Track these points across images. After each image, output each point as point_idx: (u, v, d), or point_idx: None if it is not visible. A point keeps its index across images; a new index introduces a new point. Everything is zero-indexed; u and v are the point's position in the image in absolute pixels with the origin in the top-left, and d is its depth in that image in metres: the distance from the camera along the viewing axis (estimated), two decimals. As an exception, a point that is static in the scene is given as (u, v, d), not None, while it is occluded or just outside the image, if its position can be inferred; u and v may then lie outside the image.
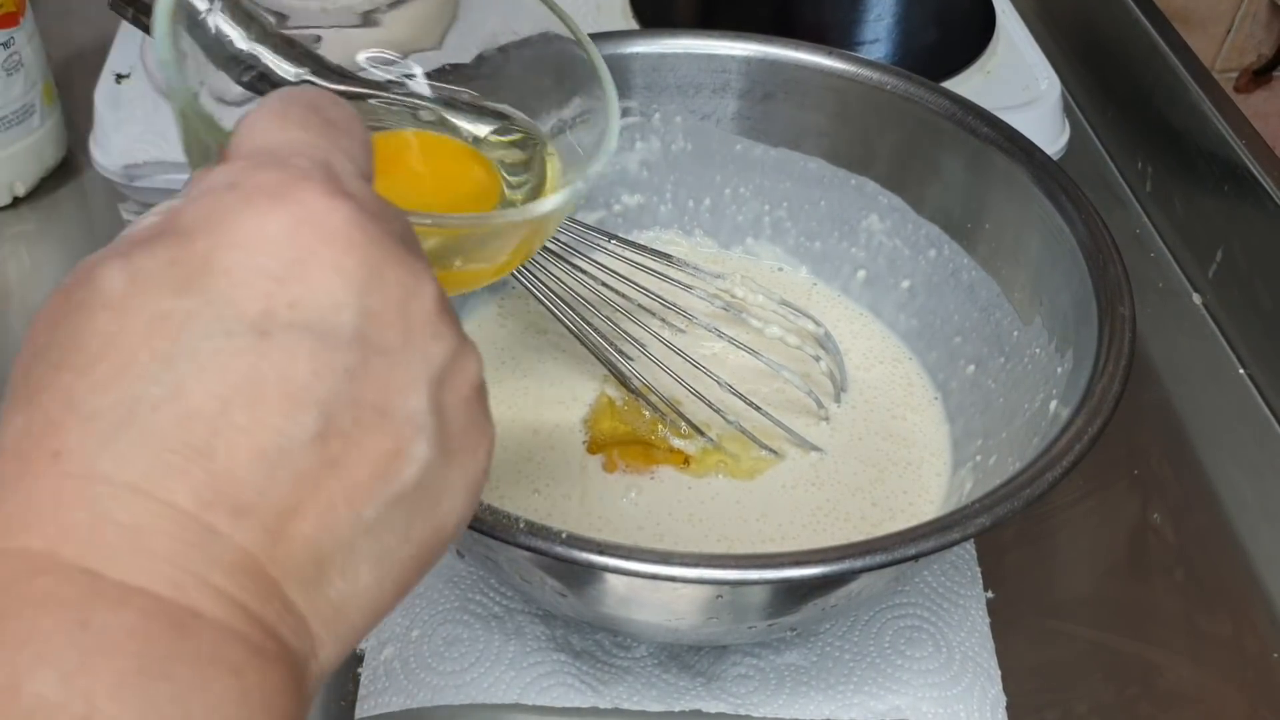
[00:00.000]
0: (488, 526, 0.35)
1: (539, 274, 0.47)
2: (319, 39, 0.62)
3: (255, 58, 0.40)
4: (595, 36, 0.53)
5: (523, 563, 0.38)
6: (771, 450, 0.49)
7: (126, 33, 0.66)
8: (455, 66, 0.51)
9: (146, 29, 0.41)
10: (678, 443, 0.49)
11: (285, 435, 0.23)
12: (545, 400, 0.51)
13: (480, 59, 0.53)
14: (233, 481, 0.23)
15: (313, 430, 0.23)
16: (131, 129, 0.61)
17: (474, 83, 0.50)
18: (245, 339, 0.23)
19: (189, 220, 0.24)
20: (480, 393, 0.27)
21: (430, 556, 0.26)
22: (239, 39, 0.40)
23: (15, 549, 0.21)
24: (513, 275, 0.47)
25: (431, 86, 0.41)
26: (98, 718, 0.20)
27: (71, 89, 0.68)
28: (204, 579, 0.22)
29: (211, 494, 0.22)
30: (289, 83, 0.40)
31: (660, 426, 0.49)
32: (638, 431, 0.49)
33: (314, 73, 0.41)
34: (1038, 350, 0.47)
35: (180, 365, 0.22)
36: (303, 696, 0.23)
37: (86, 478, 0.22)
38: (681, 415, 0.49)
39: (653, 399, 0.49)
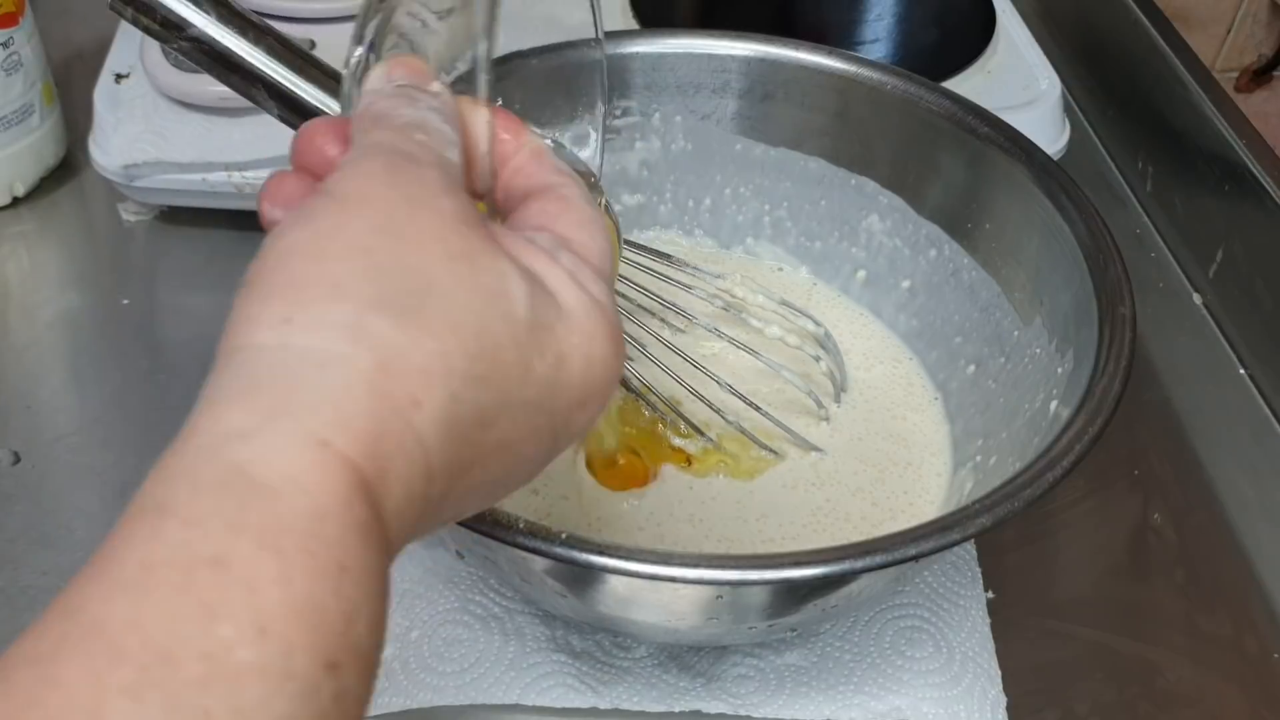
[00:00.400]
0: (487, 527, 0.35)
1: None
2: (313, 44, 0.62)
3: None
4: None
5: (522, 563, 0.38)
6: (771, 450, 0.49)
7: (126, 33, 0.66)
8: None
9: (146, 30, 0.41)
10: (678, 441, 0.49)
11: (492, 481, 0.26)
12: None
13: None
14: (455, 495, 0.25)
15: (501, 481, 0.27)
16: (131, 129, 0.61)
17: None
18: (541, 420, 0.27)
19: (568, 304, 0.27)
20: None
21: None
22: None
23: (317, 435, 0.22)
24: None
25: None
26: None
27: (71, 89, 0.68)
28: (405, 522, 0.24)
29: (444, 492, 0.25)
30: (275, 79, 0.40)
31: (661, 425, 0.49)
32: (639, 434, 0.49)
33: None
34: (1038, 350, 0.47)
35: (509, 411, 0.26)
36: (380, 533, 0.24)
37: (418, 440, 0.23)
38: (681, 415, 0.49)
39: (652, 399, 0.49)
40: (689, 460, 0.48)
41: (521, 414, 0.26)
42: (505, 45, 0.67)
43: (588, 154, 0.40)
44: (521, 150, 0.30)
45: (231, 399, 0.22)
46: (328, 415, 0.22)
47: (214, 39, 0.41)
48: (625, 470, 0.48)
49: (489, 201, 0.31)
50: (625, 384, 0.50)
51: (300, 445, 0.22)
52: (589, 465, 0.48)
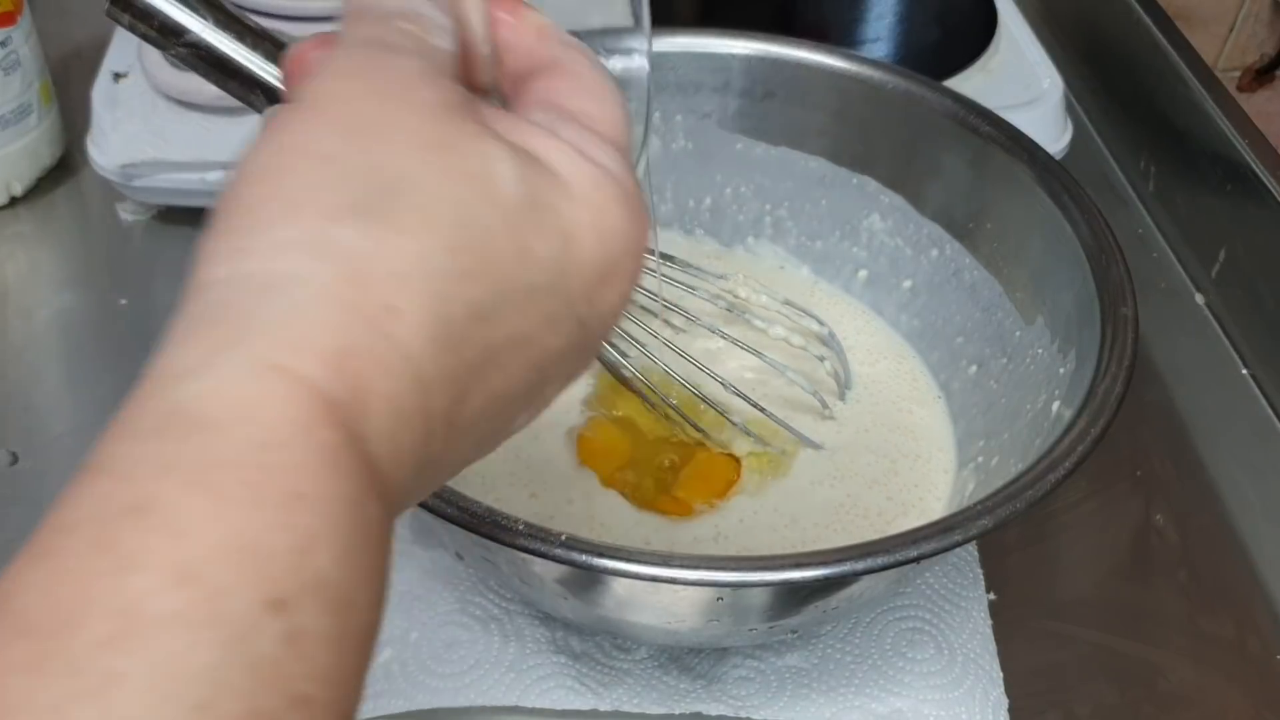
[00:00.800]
0: (488, 528, 0.35)
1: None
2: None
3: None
4: (594, 33, 0.53)
5: (522, 565, 0.38)
6: (774, 448, 0.49)
7: (124, 32, 0.65)
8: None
9: (144, 36, 0.40)
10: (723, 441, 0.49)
11: (514, 388, 0.24)
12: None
13: None
14: (466, 406, 0.23)
15: (526, 389, 0.24)
16: (129, 128, 0.61)
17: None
18: (557, 306, 0.24)
19: (568, 175, 0.24)
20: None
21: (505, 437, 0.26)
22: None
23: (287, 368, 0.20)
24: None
25: None
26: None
27: (69, 88, 0.68)
28: (381, 399, 0.21)
29: (451, 410, 0.22)
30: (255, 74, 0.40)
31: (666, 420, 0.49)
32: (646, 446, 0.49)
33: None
34: (1040, 350, 0.47)
35: (512, 300, 0.23)
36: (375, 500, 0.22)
37: (402, 351, 0.21)
38: (684, 417, 0.49)
39: (655, 400, 0.49)
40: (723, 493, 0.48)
41: (529, 302, 0.23)
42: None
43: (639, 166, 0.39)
44: (524, 30, 0.28)
45: (180, 340, 0.21)
46: (282, 338, 0.20)
47: (211, 45, 0.41)
48: (690, 497, 0.47)
49: (498, 93, 0.29)
50: (627, 385, 0.50)
51: (249, 374, 0.19)
52: (636, 490, 0.47)
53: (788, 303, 0.51)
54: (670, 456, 0.48)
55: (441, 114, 0.23)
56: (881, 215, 0.54)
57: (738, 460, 0.48)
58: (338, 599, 0.19)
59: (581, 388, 0.51)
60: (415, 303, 0.21)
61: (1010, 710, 0.45)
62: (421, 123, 0.23)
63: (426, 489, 0.24)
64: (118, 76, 0.64)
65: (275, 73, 0.41)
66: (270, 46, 0.42)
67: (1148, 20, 0.72)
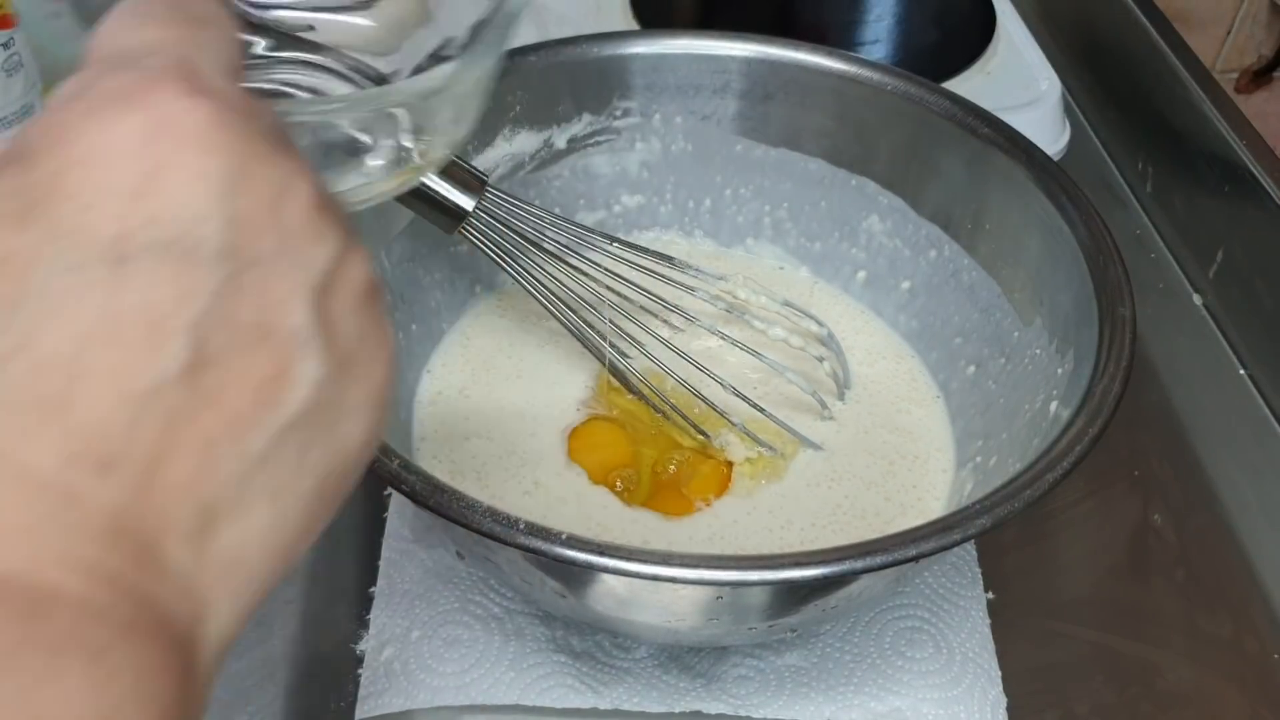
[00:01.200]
0: (488, 527, 0.35)
1: (538, 275, 0.47)
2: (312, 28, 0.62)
3: None
4: (596, 38, 0.53)
5: (523, 564, 0.38)
6: (773, 449, 0.49)
7: (126, 33, 0.66)
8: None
9: None
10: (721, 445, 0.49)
11: (151, 372, 0.20)
12: (543, 399, 0.51)
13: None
14: (94, 433, 0.20)
15: (183, 361, 0.21)
16: (131, 130, 0.61)
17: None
18: (98, 270, 0.20)
19: (31, 141, 0.21)
20: (373, 296, 0.25)
21: (337, 486, 0.24)
22: None
23: None
24: (513, 277, 0.47)
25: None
26: None
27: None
28: (64, 550, 0.19)
29: (71, 450, 0.20)
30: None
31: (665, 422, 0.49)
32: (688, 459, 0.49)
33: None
34: (1038, 351, 0.47)
35: (29, 309, 0.20)
36: (191, 671, 0.21)
37: None
38: (684, 416, 0.49)
39: (655, 400, 0.49)
40: (719, 491, 0.48)
41: (51, 295, 0.20)
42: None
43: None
44: None
45: None
46: None
47: None
48: (687, 495, 0.47)
49: None
50: (626, 384, 0.50)
51: None
52: (635, 490, 0.47)
53: (787, 303, 0.51)
54: (665, 455, 0.48)
55: None
56: (880, 216, 0.54)
57: (735, 461, 0.48)
58: None
59: (579, 388, 0.51)
60: None
61: (1009, 709, 0.45)
62: None
63: (216, 511, 0.21)
64: (120, 78, 0.64)
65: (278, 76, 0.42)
66: (271, 43, 0.42)
67: (1145, 22, 0.72)
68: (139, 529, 0.20)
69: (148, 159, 0.21)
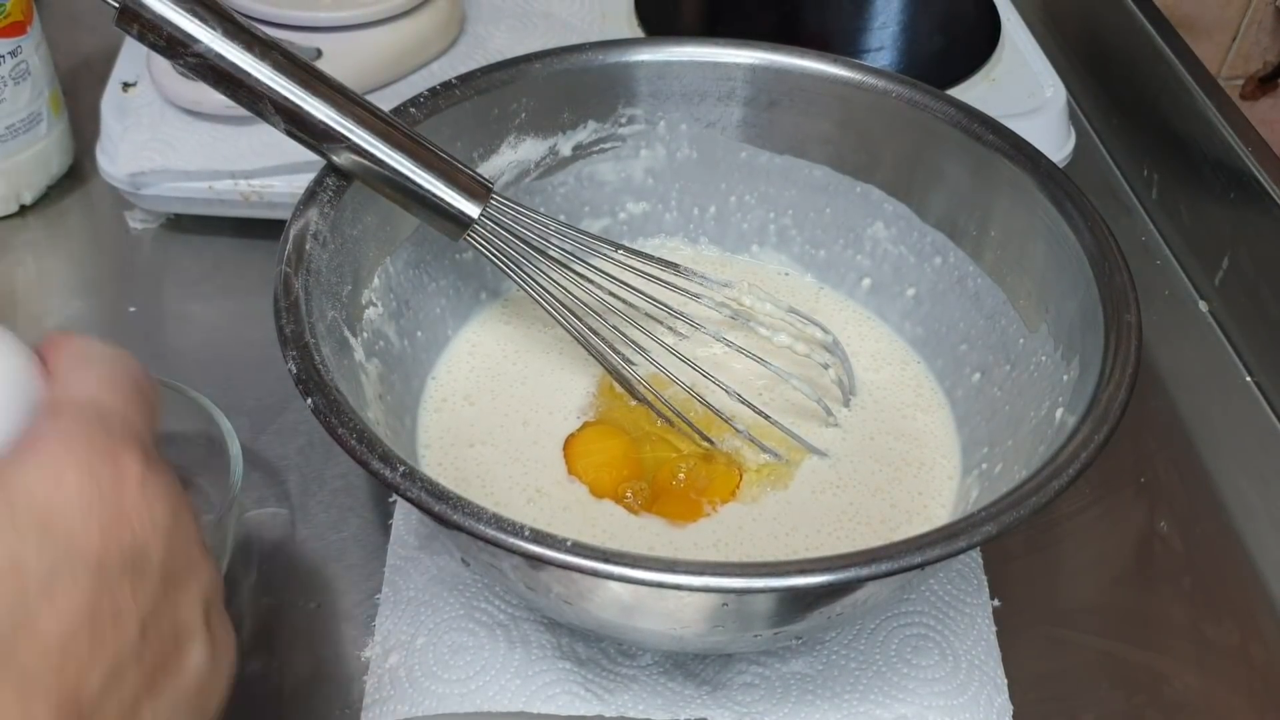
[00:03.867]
0: (493, 534, 0.35)
1: (543, 281, 0.47)
2: (319, 53, 0.63)
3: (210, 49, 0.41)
4: (601, 45, 0.53)
5: (527, 570, 0.38)
6: (778, 455, 0.49)
7: (133, 42, 0.66)
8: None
9: (153, 46, 0.41)
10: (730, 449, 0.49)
11: (119, 652, 0.29)
12: (549, 406, 0.51)
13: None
14: (77, 696, 0.28)
15: (135, 643, 0.30)
16: (138, 137, 0.61)
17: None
18: (86, 579, 0.29)
19: (19, 469, 0.29)
20: (222, 604, 0.34)
21: None
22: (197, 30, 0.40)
23: None
24: (518, 284, 0.47)
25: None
26: None
27: (78, 98, 0.68)
28: None
29: (62, 707, 0.28)
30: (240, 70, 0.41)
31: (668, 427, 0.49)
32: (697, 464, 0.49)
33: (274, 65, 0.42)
34: (1044, 358, 0.47)
35: (31, 599, 0.28)
36: None
37: None
38: (689, 422, 0.49)
39: (660, 406, 0.49)
40: (732, 493, 0.48)
41: (53, 592, 0.28)
42: (507, 47, 0.68)
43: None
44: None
45: None
46: None
47: (220, 55, 0.41)
48: (693, 501, 0.47)
49: None
50: (631, 390, 0.50)
51: None
52: (645, 498, 0.47)
53: (792, 310, 0.51)
54: (672, 462, 0.48)
55: None
56: (885, 223, 0.55)
57: (738, 467, 0.48)
58: None
59: (584, 395, 0.51)
60: None
61: (1014, 717, 0.45)
62: None
63: None
64: (127, 86, 0.64)
65: (282, 83, 0.42)
66: (278, 56, 0.42)
67: (1150, 28, 0.72)
68: None
69: (119, 503, 0.30)
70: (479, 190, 0.45)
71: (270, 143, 0.59)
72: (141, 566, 0.30)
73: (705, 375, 0.48)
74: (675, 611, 0.38)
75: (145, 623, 0.30)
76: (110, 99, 0.63)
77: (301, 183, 0.45)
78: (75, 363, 0.33)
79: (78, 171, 0.67)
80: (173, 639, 0.31)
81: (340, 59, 0.61)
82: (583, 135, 0.54)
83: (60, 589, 0.28)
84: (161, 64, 0.61)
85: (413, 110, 0.49)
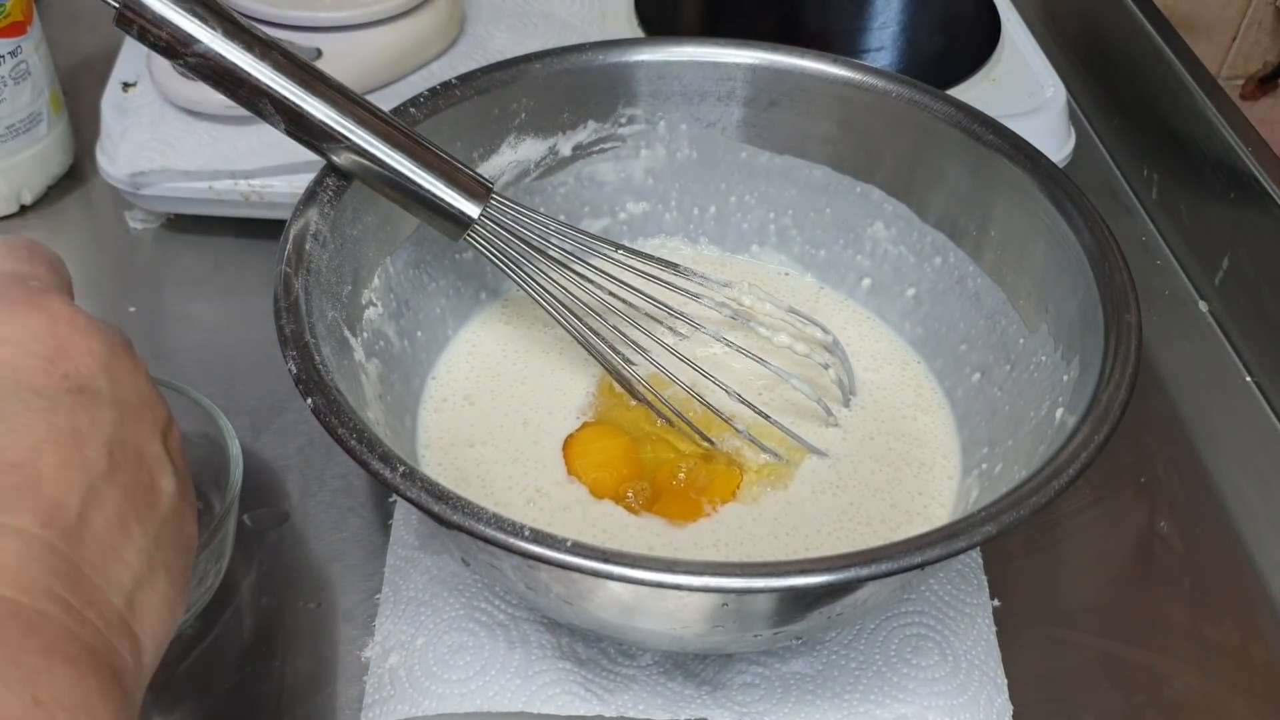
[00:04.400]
0: (493, 534, 0.35)
1: (543, 281, 0.47)
2: (319, 53, 0.63)
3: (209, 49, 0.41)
4: (601, 45, 0.53)
5: (527, 570, 0.38)
6: (778, 456, 0.49)
7: (133, 42, 0.66)
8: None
9: (153, 46, 0.41)
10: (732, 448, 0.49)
11: (88, 469, 0.30)
12: (548, 405, 0.51)
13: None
14: (59, 508, 0.29)
15: (105, 465, 0.31)
16: (138, 137, 0.61)
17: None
18: (39, 403, 0.30)
19: None
20: (179, 441, 0.36)
21: (189, 568, 0.35)
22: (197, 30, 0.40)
23: None
24: (518, 283, 0.47)
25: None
26: None
27: (78, 97, 0.68)
28: (49, 588, 0.28)
29: (46, 517, 0.29)
30: (240, 68, 0.42)
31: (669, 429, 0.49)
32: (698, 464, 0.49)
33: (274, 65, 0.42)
34: (1044, 358, 0.47)
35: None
36: (129, 693, 0.29)
37: None
38: (689, 422, 0.49)
39: (660, 406, 0.49)
40: (733, 493, 0.48)
41: (8, 418, 0.30)
42: (508, 47, 0.68)
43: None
44: None
45: None
46: None
47: (220, 55, 0.41)
48: (693, 501, 0.47)
49: None
50: (631, 390, 0.50)
51: None
52: (646, 498, 0.47)
53: (791, 310, 0.51)
54: (672, 462, 0.48)
55: None
56: (885, 223, 0.55)
57: (738, 467, 0.48)
58: None
59: (584, 395, 0.51)
60: None
61: (1014, 717, 0.45)
62: None
63: (142, 581, 0.31)
64: (127, 86, 0.64)
65: (282, 82, 0.42)
66: (278, 57, 0.42)
67: (1151, 29, 0.72)
68: (93, 582, 0.29)
69: (55, 339, 0.32)
70: (479, 190, 0.45)
71: (270, 143, 0.59)
72: (91, 394, 0.32)
73: (705, 375, 0.48)
74: (675, 611, 0.38)
75: (109, 447, 0.31)
76: (110, 99, 0.63)
77: (301, 183, 0.45)
78: None
79: (78, 171, 0.67)
80: (141, 465, 0.32)
81: (340, 59, 0.61)
82: (583, 135, 0.54)
83: (13, 414, 0.30)
84: (161, 64, 0.61)
85: (413, 110, 0.49)
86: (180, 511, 0.34)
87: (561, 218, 0.54)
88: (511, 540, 0.35)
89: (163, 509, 0.33)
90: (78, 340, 0.32)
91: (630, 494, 0.47)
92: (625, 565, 0.34)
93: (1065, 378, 0.44)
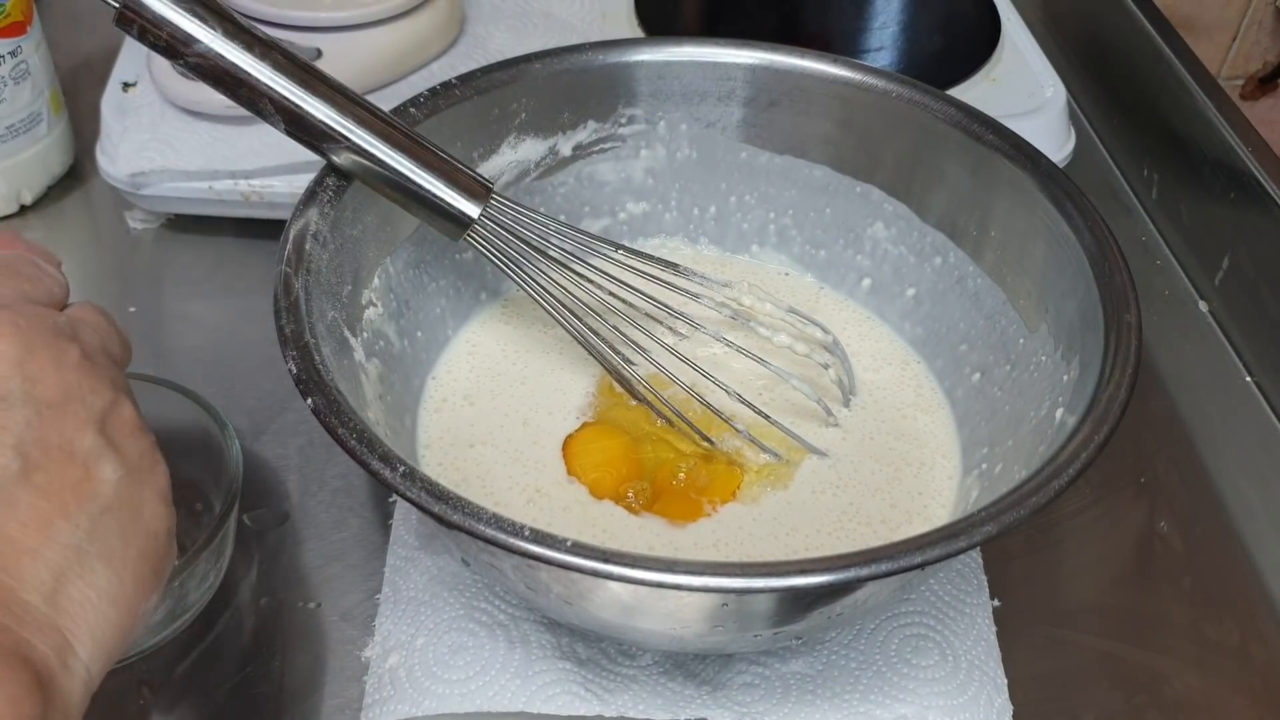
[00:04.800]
0: (492, 534, 0.35)
1: (543, 281, 0.47)
2: (319, 53, 0.63)
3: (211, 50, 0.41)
4: (601, 45, 0.53)
5: (528, 570, 0.38)
6: (778, 456, 0.49)
7: (133, 42, 0.66)
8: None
9: (152, 46, 0.41)
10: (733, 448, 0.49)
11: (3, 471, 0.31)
12: (548, 405, 0.51)
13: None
14: None
15: (17, 468, 0.31)
16: (138, 137, 0.61)
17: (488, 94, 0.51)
18: None
19: None
20: (142, 426, 0.36)
21: (155, 556, 0.34)
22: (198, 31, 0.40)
23: None
24: (518, 284, 0.47)
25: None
26: None
27: (78, 97, 0.68)
28: None
29: None
30: (239, 69, 0.42)
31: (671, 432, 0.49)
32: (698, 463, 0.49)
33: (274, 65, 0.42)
34: (1044, 358, 0.47)
35: None
36: (53, 694, 0.29)
37: None
38: (689, 422, 0.49)
39: (660, 406, 0.49)
40: (734, 493, 0.48)
41: None
42: (508, 47, 0.68)
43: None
44: None
45: None
46: None
47: (220, 55, 0.41)
48: (693, 501, 0.47)
49: None
50: (631, 391, 0.50)
51: None
52: (647, 498, 0.47)
53: (792, 310, 0.51)
54: (672, 462, 0.48)
55: None
56: (885, 223, 0.55)
57: (739, 467, 0.48)
58: None
59: (584, 395, 0.51)
60: None
61: (1014, 717, 0.45)
62: None
63: (64, 576, 0.32)
64: (127, 86, 0.64)
65: (282, 83, 0.42)
66: (278, 57, 0.42)
67: (1151, 29, 0.72)
68: (4, 584, 0.30)
69: None
70: (479, 190, 0.45)
71: (270, 143, 0.59)
72: (2, 397, 0.32)
73: (705, 375, 0.48)
74: (675, 611, 0.38)
75: (22, 448, 0.31)
76: (110, 99, 0.63)
77: (301, 183, 0.45)
78: None
79: (78, 171, 0.67)
80: (70, 459, 0.32)
81: (340, 59, 0.61)
82: (583, 135, 0.54)
83: None
84: (161, 64, 0.61)
85: (413, 110, 0.49)
86: (132, 498, 0.34)
87: (561, 218, 0.54)
88: (511, 540, 0.35)
89: (103, 499, 0.33)
90: None
91: (630, 494, 0.47)
92: (625, 565, 0.34)
93: (1065, 378, 0.44)
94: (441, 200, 0.44)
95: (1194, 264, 0.67)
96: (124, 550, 0.33)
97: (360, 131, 0.43)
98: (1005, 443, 0.47)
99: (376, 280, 0.48)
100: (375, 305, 0.48)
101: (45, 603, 0.30)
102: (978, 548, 0.43)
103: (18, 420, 0.32)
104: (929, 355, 0.54)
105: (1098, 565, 0.52)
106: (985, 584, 0.49)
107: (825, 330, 0.52)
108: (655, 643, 0.44)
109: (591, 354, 0.49)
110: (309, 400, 0.38)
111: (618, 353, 0.49)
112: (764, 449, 0.49)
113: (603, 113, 0.54)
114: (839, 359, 0.52)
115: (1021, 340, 0.49)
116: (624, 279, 0.49)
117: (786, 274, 0.58)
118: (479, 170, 0.48)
